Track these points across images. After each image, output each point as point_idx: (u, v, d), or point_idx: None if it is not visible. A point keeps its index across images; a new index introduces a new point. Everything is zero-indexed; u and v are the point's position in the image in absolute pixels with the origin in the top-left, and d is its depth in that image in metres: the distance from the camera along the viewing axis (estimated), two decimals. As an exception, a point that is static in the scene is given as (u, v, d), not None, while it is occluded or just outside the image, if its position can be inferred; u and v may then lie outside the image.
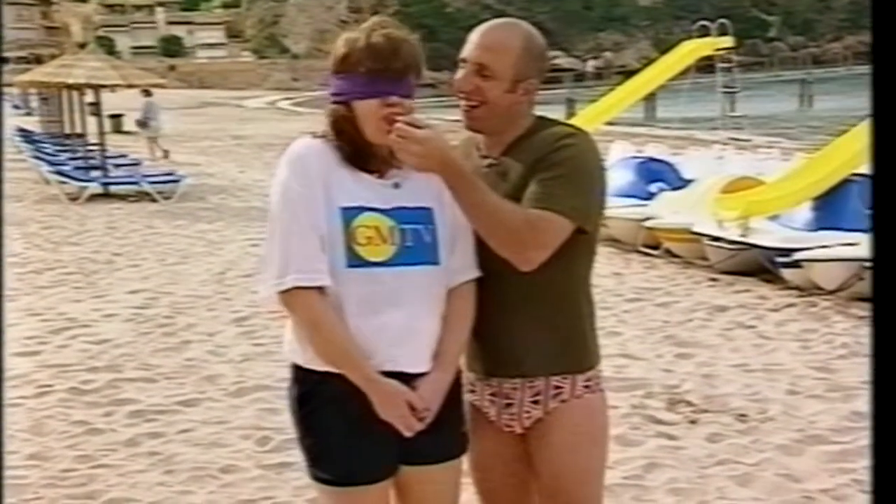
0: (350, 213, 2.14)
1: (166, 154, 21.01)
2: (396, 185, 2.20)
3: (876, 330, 0.98)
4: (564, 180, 2.18)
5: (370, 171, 2.20)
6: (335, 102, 2.21)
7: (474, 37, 2.27)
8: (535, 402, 2.32)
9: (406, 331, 2.17)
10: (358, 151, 2.19)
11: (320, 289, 2.13)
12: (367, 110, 2.15)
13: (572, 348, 2.33)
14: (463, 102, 2.28)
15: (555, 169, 2.19)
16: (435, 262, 2.21)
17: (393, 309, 2.16)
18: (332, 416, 2.20)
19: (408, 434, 2.16)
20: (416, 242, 2.18)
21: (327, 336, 2.15)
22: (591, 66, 62.96)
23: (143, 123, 22.08)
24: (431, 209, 2.21)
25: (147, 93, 20.99)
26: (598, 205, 2.30)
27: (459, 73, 2.27)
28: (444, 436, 2.26)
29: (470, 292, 2.27)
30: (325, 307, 2.14)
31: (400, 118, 2.13)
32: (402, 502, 2.33)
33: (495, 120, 2.28)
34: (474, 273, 2.27)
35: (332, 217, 2.14)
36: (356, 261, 2.15)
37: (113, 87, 15.47)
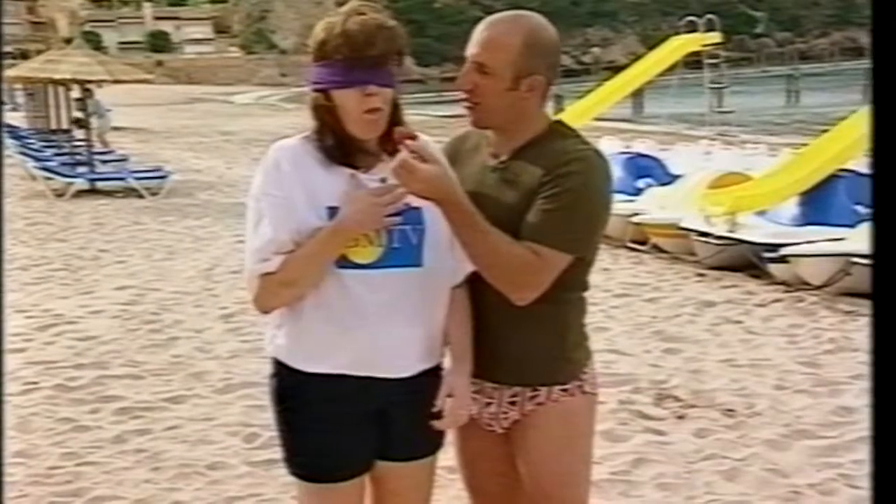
0: (337, 214, 2.11)
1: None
2: (383, 181, 2.14)
3: (876, 327, 0.98)
4: (566, 213, 2.13)
5: (356, 167, 2.16)
6: (315, 90, 2.16)
7: (475, 33, 2.22)
8: (513, 404, 2.32)
9: (391, 335, 2.15)
10: (341, 144, 2.14)
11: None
12: (345, 100, 2.10)
13: (550, 362, 2.29)
14: (464, 101, 2.23)
15: (558, 199, 2.12)
16: (418, 265, 2.18)
17: (379, 312, 2.14)
18: (310, 413, 2.20)
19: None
20: (402, 244, 2.16)
21: (292, 269, 2.11)
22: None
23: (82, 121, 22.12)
24: (420, 209, 2.16)
25: (88, 91, 20.97)
26: (600, 231, 2.25)
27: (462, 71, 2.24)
28: (421, 433, 2.25)
29: (466, 292, 2.27)
30: (273, 277, 2.11)
31: (407, 143, 2.08)
32: (375, 494, 2.34)
33: (499, 118, 2.23)
34: (468, 270, 2.24)
35: (318, 217, 2.10)
36: (344, 262, 2.12)
37: (99, 83, 15.38)
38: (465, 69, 2.21)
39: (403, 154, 2.07)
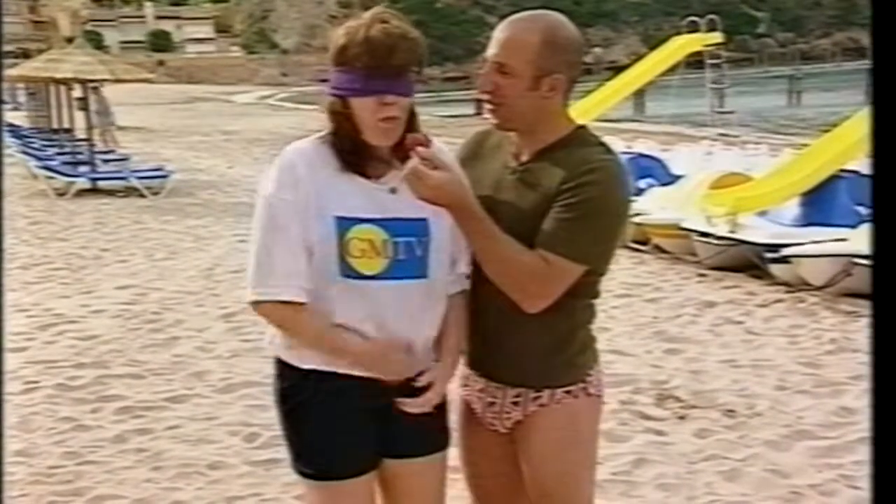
0: (345, 224, 2.11)
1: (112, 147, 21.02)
2: (393, 190, 2.14)
3: (876, 328, 0.98)
4: (582, 223, 2.10)
5: (367, 175, 2.16)
6: (333, 95, 2.15)
7: (495, 34, 2.20)
8: (515, 404, 2.32)
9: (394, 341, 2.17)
10: (355, 150, 2.14)
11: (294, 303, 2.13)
12: (362, 109, 2.10)
13: (554, 365, 2.28)
14: (486, 103, 2.21)
15: (575, 208, 2.10)
16: (423, 276, 2.18)
17: (382, 322, 2.15)
18: (314, 411, 2.21)
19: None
20: (407, 256, 2.16)
21: (306, 338, 2.18)
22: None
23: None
24: (426, 220, 2.16)
25: (94, 90, 21.04)
26: (615, 244, 2.24)
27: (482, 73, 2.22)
28: (426, 429, 2.26)
29: (464, 298, 2.30)
30: (298, 316, 2.14)
31: (418, 150, 2.07)
32: (387, 495, 2.34)
33: (521, 119, 2.20)
34: (467, 283, 2.27)
35: (325, 226, 2.10)
36: (350, 272, 2.13)
37: (101, 82, 15.37)
38: (486, 70, 2.19)
39: (414, 161, 2.07)
